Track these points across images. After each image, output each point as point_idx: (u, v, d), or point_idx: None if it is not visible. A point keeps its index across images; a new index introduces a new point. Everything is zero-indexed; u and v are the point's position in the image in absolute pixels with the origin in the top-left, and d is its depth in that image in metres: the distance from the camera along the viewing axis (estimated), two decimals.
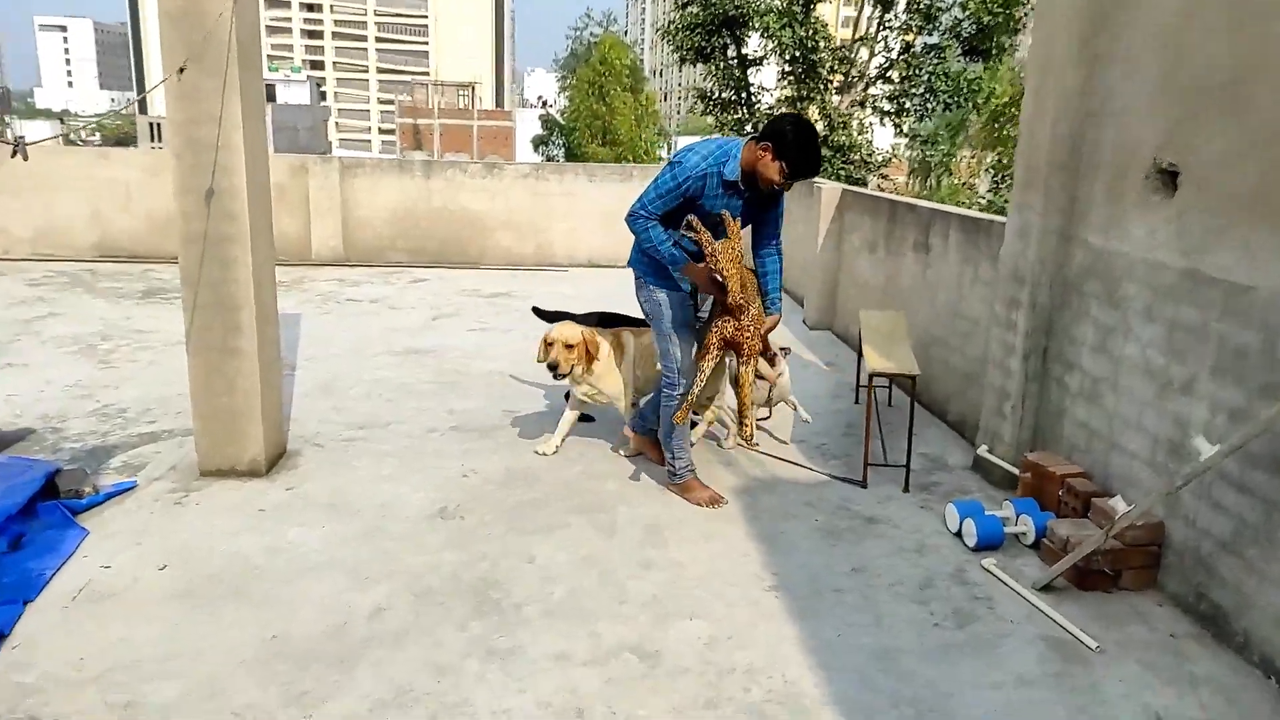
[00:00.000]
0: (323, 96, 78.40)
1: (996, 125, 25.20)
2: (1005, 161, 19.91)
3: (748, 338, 3.76)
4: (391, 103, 70.42)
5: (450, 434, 4.85)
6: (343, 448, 4.61)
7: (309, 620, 3.02)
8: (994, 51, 19.80)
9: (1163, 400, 3.40)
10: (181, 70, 3.71)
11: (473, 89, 58.79)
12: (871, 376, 4.30)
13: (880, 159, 21.21)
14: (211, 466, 4.15)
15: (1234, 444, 2.74)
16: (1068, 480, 3.82)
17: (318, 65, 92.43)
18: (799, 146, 3.60)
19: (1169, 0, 3.36)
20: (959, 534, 3.81)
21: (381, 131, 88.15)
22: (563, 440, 4.63)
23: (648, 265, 3.97)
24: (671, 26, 20.40)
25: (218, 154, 3.85)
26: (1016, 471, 4.22)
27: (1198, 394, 3.20)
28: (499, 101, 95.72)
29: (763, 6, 19.00)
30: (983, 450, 4.45)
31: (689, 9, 19.83)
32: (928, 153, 23.85)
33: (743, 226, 3.83)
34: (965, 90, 19.71)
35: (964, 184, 32.38)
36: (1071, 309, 4.01)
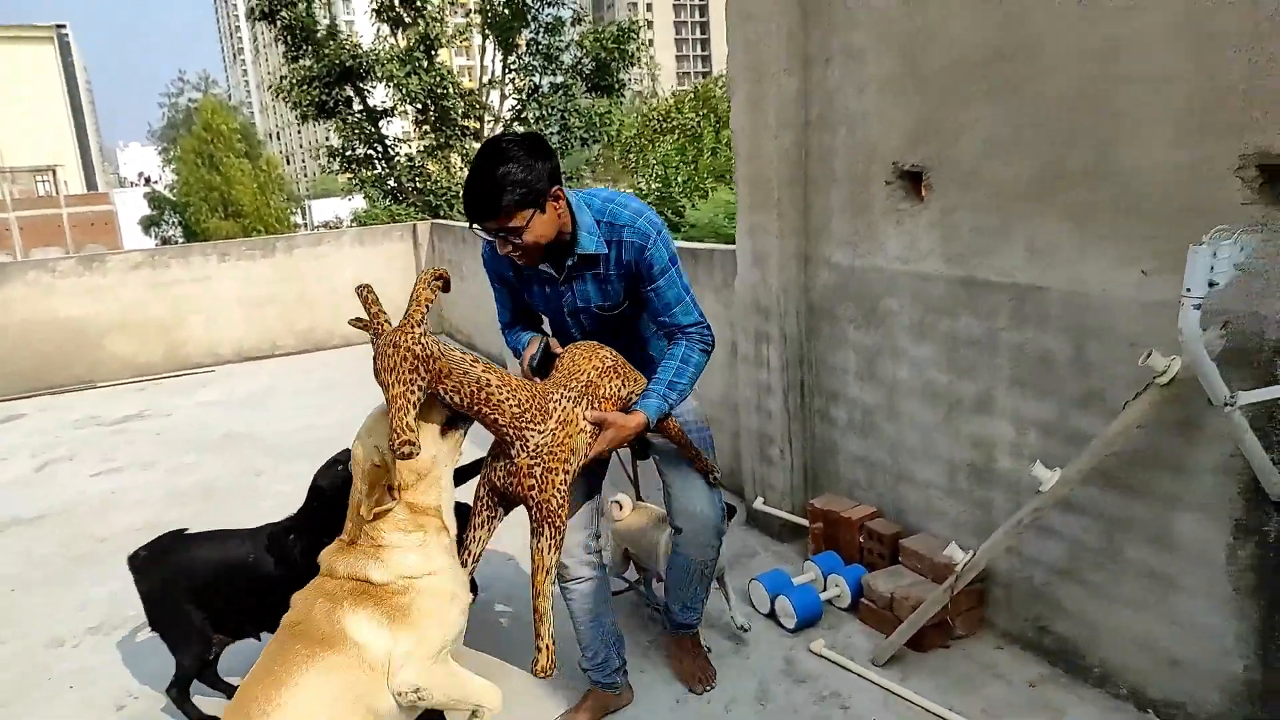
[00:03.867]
0: None
1: (629, 156, 26.31)
2: (643, 190, 20.64)
3: (521, 480, 2.18)
4: None
5: (103, 644, 3.47)
6: None
7: None
8: (615, 86, 20.61)
9: (953, 422, 3.11)
10: None
11: (54, 173, 50.79)
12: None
13: None
14: None
15: (1084, 465, 2.43)
16: (865, 524, 3.44)
17: None
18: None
19: None
20: (771, 614, 3.28)
21: None
22: None
23: None
24: (284, 83, 18.74)
25: None
26: (799, 520, 3.81)
27: (997, 411, 2.93)
28: (90, 184, 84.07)
29: (383, 55, 18.06)
30: (758, 504, 4.00)
31: (300, 63, 18.32)
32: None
33: (603, 324, 2.62)
34: (598, 125, 20.25)
35: None
36: (823, 336, 3.67)
